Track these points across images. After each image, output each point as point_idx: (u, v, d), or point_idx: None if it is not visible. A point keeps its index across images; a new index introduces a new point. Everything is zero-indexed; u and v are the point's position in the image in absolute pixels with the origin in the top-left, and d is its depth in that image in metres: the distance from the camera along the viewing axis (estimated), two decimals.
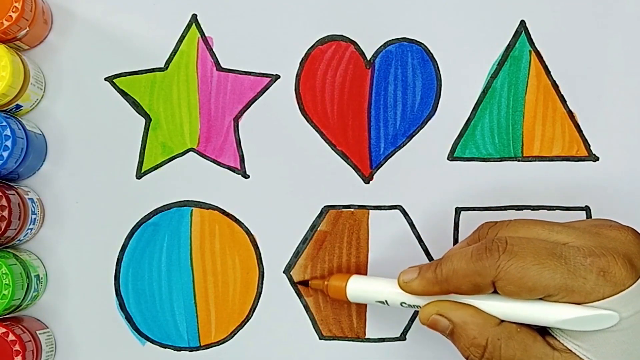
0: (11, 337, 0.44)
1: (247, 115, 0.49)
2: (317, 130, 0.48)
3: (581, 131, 0.48)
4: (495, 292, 0.38)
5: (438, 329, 0.40)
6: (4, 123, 0.45)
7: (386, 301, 0.42)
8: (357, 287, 0.44)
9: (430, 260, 0.48)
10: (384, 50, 0.48)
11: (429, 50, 0.48)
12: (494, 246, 0.38)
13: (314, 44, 0.49)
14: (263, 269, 0.48)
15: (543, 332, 0.39)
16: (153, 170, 0.49)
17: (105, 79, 0.49)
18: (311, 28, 0.49)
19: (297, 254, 0.48)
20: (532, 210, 0.47)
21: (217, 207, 0.48)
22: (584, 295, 0.36)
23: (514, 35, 0.48)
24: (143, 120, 0.49)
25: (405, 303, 0.42)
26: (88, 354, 0.48)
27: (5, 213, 0.44)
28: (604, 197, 0.47)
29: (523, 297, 0.37)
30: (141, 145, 0.49)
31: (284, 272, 0.48)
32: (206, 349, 0.48)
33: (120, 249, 0.48)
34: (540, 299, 0.37)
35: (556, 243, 0.38)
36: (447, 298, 0.40)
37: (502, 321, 0.39)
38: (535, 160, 0.48)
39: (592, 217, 0.47)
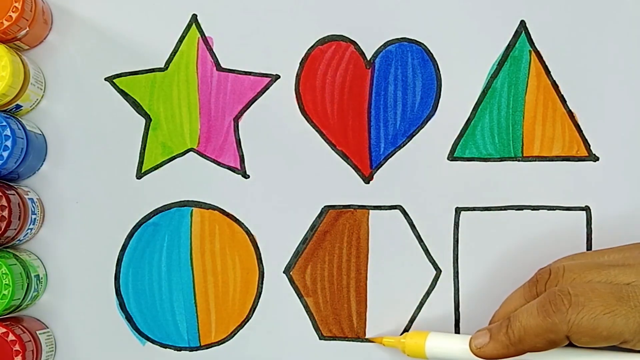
0: (11, 337, 0.44)
1: (247, 115, 0.49)
2: (317, 130, 0.48)
3: (581, 131, 0.48)
4: (571, 343, 0.38)
5: None
6: (4, 123, 0.45)
7: None
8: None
9: (430, 261, 0.48)
10: (384, 50, 0.48)
11: (429, 50, 0.48)
12: (559, 299, 0.38)
13: (314, 44, 0.49)
14: (263, 269, 0.48)
15: None
16: (153, 170, 0.49)
17: (105, 79, 0.49)
18: (311, 28, 0.49)
19: (297, 254, 0.48)
20: (532, 210, 0.47)
21: (217, 207, 0.48)
22: None
23: (514, 35, 0.48)
24: (143, 120, 0.49)
25: None
26: (88, 354, 0.48)
27: (5, 213, 0.44)
28: (604, 197, 0.47)
29: (599, 345, 0.37)
30: (141, 145, 0.49)
31: (284, 272, 0.48)
32: (206, 349, 0.48)
33: (120, 249, 0.48)
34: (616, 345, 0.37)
35: (619, 285, 0.38)
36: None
37: None
38: (535, 160, 0.48)
39: (592, 217, 0.47)
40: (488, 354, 0.41)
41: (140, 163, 0.49)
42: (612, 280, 0.38)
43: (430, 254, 0.48)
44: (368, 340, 0.48)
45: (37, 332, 0.46)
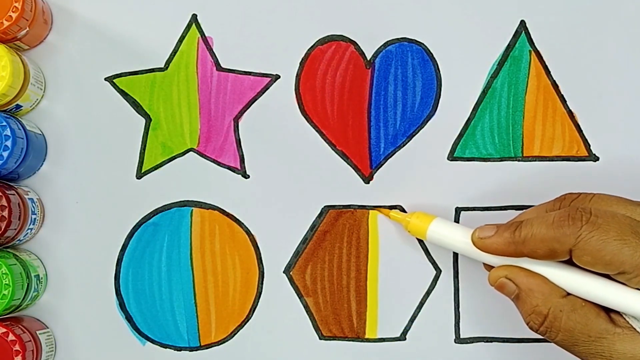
0: (11, 337, 0.44)
1: (247, 115, 0.49)
2: (317, 130, 0.48)
3: (581, 131, 0.48)
4: (568, 261, 0.38)
5: (504, 291, 0.41)
6: (4, 123, 0.45)
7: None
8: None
9: (430, 261, 0.48)
10: (384, 50, 0.48)
11: (429, 50, 0.48)
12: (578, 215, 0.38)
13: (314, 44, 0.49)
14: (263, 269, 0.48)
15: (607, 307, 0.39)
16: (153, 170, 0.49)
17: (105, 79, 0.49)
18: (311, 28, 0.49)
19: (297, 254, 0.48)
20: None
21: (217, 207, 0.48)
22: None
23: (514, 35, 0.48)
24: (143, 120, 0.49)
25: (477, 259, 0.42)
26: (88, 354, 0.48)
27: (5, 213, 0.44)
28: None
29: (597, 269, 0.38)
30: (141, 145, 0.49)
31: (284, 272, 0.48)
32: (206, 348, 0.48)
33: (120, 249, 0.48)
34: (608, 275, 0.38)
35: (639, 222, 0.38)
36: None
37: (569, 294, 0.39)
38: (535, 160, 0.48)
39: None
40: (487, 245, 0.41)
41: (140, 163, 0.49)
42: (636, 217, 0.39)
43: (430, 254, 0.48)
44: (368, 340, 0.48)
45: (37, 332, 0.46)
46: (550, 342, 0.39)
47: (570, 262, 0.39)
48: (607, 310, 0.39)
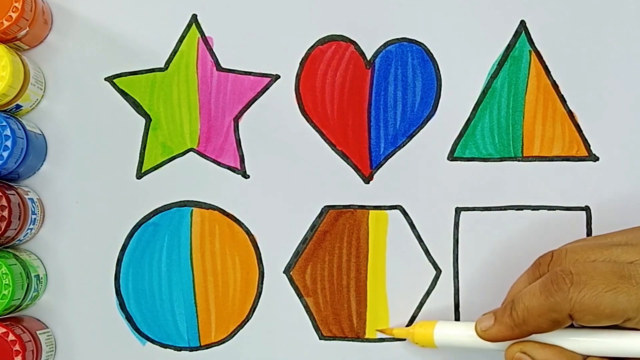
0: (11, 337, 0.44)
1: (247, 115, 0.49)
2: (317, 130, 0.48)
3: (581, 131, 0.48)
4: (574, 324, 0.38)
5: None
6: (4, 123, 0.45)
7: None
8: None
9: (430, 261, 0.48)
10: (384, 50, 0.48)
11: (429, 50, 0.48)
12: (560, 279, 0.38)
13: (314, 44, 0.49)
14: (263, 269, 0.48)
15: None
16: (153, 170, 0.49)
17: (105, 79, 0.49)
18: (311, 28, 0.49)
19: (297, 254, 0.48)
20: (532, 210, 0.47)
21: (217, 207, 0.48)
22: None
23: (514, 35, 0.48)
24: (143, 120, 0.49)
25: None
26: (88, 354, 0.48)
27: (5, 213, 0.44)
28: (604, 197, 0.47)
29: (603, 324, 0.37)
30: (141, 145, 0.49)
31: (284, 272, 0.48)
32: (206, 349, 0.48)
33: (120, 249, 0.48)
34: (617, 325, 0.38)
35: (621, 263, 0.38)
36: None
37: (586, 357, 0.39)
38: (535, 160, 0.48)
39: (592, 217, 0.47)
40: (493, 336, 0.41)
41: (140, 163, 0.49)
42: (615, 259, 0.38)
43: (430, 254, 0.48)
44: (368, 340, 0.48)
45: (37, 332, 0.46)
46: None
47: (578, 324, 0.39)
48: None
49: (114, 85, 0.49)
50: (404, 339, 0.47)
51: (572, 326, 0.39)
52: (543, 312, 0.38)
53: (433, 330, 0.44)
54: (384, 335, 0.48)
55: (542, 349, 0.40)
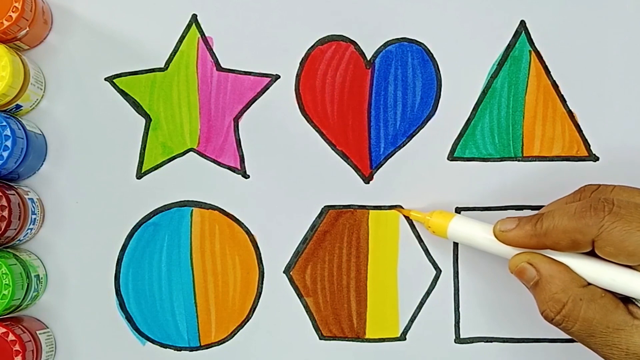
0: (11, 337, 0.44)
1: (247, 115, 0.49)
2: (317, 130, 0.48)
3: (581, 131, 0.48)
4: (591, 252, 0.38)
5: (524, 277, 0.40)
6: (4, 123, 0.45)
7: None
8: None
9: (430, 261, 0.48)
10: (384, 50, 0.48)
11: (429, 50, 0.48)
12: (600, 205, 0.38)
13: (314, 44, 0.49)
14: (263, 269, 0.48)
15: (626, 299, 0.39)
16: (153, 170, 0.49)
17: (105, 79, 0.49)
18: (311, 28, 0.49)
19: (297, 254, 0.48)
20: (532, 210, 0.47)
21: (217, 207, 0.48)
22: None
23: (514, 35, 0.48)
24: (143, 120, 0.49)
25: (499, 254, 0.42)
26: (88, 354, 0.48)
27: (5, 213, 0.44)
28: None
29: (619, 260, 0.38)
30: (141, 145, 0.49)
31: (284, 272, 0.48)
32: (206, 349, 0.48)
33: (120, 249, 0.48)
34: (630, 266, 0.38)
35: None
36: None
37: (589, 284, 0.39)
38: (535, 160, 0.48)
39: None
40: (509, 239, 0.41)
41: (140, 163, 0.49)
42: None
43: (430, 254, 0.48)
44: (368, 340, 0.48)
45: (37, 332, 0.46)
46: (565, 334, 0.39)
47: (592, 254, 0.39)
48: (626, 303, 0.39)
49: (114, 85, 0.49)
50: (404, 339, 0.47)
51: (587, 253, 0.39)
52: (569, 230, 0.38)
53: (449, 222, 0.44)
54: (384, 335, 0.48)
55: (549, 264, 0.40)
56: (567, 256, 0.40)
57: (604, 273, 0.39)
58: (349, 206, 0.48)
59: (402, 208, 0.47)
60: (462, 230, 0.44)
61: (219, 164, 0.49)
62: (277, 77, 0.49)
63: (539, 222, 0.40)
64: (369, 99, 0.48)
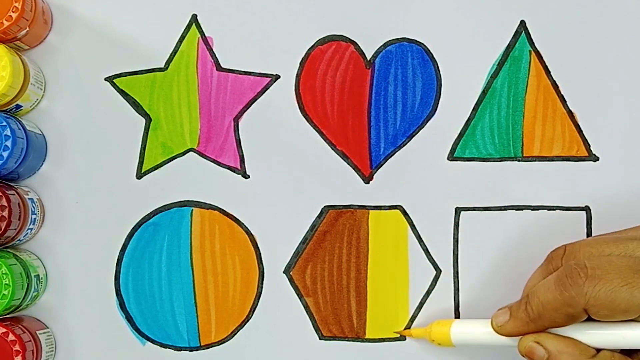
0: (11, 337, 0.44)
1: (247, 115, 0.49)
2: (317, 130, 0.48)
3: (581, 131, 0.48)
4: (590, 317, 0.38)
5: (535, 358, 0.40)
6: (4, 123, 0.45)
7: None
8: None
9: (430, 261, 0.48)
10: (384, 50, 0.48)
11: (429, 50, 0.48)
12: (575, 273, 0.38)
13: (314, 44, 0.49)
14: (263, 269, 0.48)
15: (632, 353, 0.39)
16: (153, 170, 0.49)
17: (105, 79, 0.49)
18: (311, 28, 0.49)
19: (297, 254, 0.48)
20: (532, 210, 0.47)
21: (217, 207, 0.48)
22: None
23: (514, 35, 0.48)
24: (143, 120, 0.49)
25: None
26: (88, 354, 0.48)
27: (5, 213, 0.44)
28: (604, 197, 0.47)
29: (618, 319, 0.38)
30: (141, 145, 0.49)
31: (284, 272, 0.48)
32: (206, 349, 0.48)
33: (120, 249, 0.48)
34: (634, 319, 0.38)
35: (637, 258, 0.38)
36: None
37: (599, 351, 0.39)
38: (535, 160, 0.48)
39: (592, 217, 0.47)
40: (509, 331, 0.41)
41: (140, 163, 0.49)
42: (631, 253, 0.38)
43: (430, 254, 0.48)
44: (368, 340, 0.48)
45: (37, 332, 0.46)
46: None
47: (592, 319, 0.39)
48: (633, 356, 0.39)
49: (114, 85, 0.49)
50: (404, 339, 0.47)
51: (586, 319, 0.39)
52: (558, 306, 0.38)
53: (450, 329, 0.44)
54: (384, 335, 0.48)
55: (555, 340, 0.39)
56: (571, 329, 0.39)
57: (608, 337, 0.39)
58: (349, 206, 0.48)
59: (402, 331, 0.47)
60: (465, 332, 0.44)
61: (219, 164, 0.49)
62: (277, 77, 0.49)
63: (529, 306, 0.40)
64: (369, 99, 0.48)
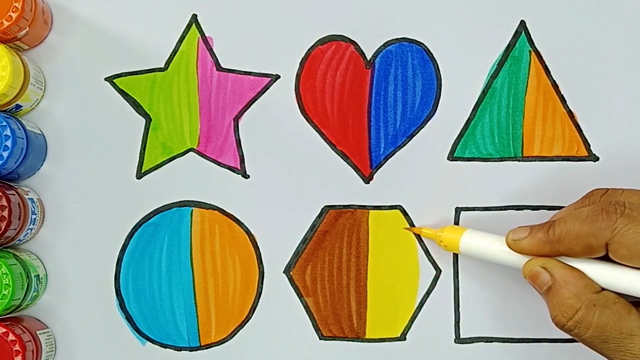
0: (11, 337, 0.44)
1: (247, 115, 0.49)
2: (317, 130, 0.48)
3: (581, 131, 0.48)
4: (605, 257, 0.38)
5: (537, 282, 0.40)
6: (4, 123, 0.45)
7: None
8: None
9: (430, 261, 0.48)
10: (384, 50, 0.48)
11: (429, 50, 0.48)
12: (612, 208, 0.38)
13: (314, 44, 0.49)
14: (263, 269, 0.48)
15: (638, 304, 0.39)
16: (153, 170, 0.49)
17: (105, 79, 0.49)
18: (311, 28, 0.49)
19: (297, 254, 0.48)
20: (532, 210, 0.47)
21: (217, 207, 0.48)
22: None
23: (514, 35, 0.48)
24: (143, 120, 0.49)
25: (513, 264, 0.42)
26: (88, 354, 0.48)
27: (5, 213, 0.44)
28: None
29: (634, 263, 0.38)
30: (141, 145, 0.49)
31: (284, 272, 0.48)
32: (206, 349, 0.48)
33: (120, 249, 0.48)
34: None
35: None
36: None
37: (603, 290, 0.39)
38: (535, 160, 0.48)
39: None
40: (522, 248, 0.41)
41: (140, 163, 0.49)
42: None
43: (430, 254, 0.48)
44: (368, 340, 0.48)
45: (37, 332, 0.46)
46: (576, 340, 0.39)
47: (606, 259, 0.39)
48: (638, 308, 0.38)
49: (114, 85, 0.49)
50: (404, 339, 0.47)
51: (599, 258, 0.39)
52: (582, 234, 0.38)
53: (460, 237, 0.44)
54: (384, 335, 0.48)
55: (563, 269, 0.39)
56: (582, 262, 0.39)
57: (619, 277, 0.38)
58: (349, 206, 0.48)
59: (413, 227, 0.47)
60: (475, 244, 0.44)
61: (219, 164, 0.49)
62: (277, 77, 0.49)
63: (551, 228, 0.39)
64: (369, 99, 0.48)
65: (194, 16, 0.49)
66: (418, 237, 0.48)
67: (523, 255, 0.41)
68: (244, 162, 0.49)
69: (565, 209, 0.43)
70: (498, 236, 0.43)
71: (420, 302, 0.48)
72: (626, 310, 0.38)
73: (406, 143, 0.48)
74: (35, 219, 0.47)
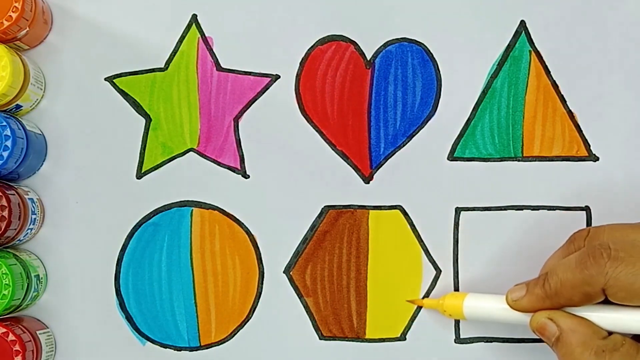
0: (11, 337, 0.44)
1: (247, 115, 0.49)
2: (317, 130, 0.48)
3: (581, 131, 0.48)
4: (605, 300, 0.38)
5: (546, 333, 0.40)
6: (4, 123, 0.45)
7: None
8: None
9: (430, 260, 0.48)
10: (384, 50, 0.48)
11: (429, 50, 0.48)
12: (598, 253, 0.38)
13: (314, 44, 0.49)
14: (263, 269, 0.48)
15: None
16: (153, 170, 0.49)
17: (105, 79, 0.49)
18: (311, 28, 0.49)
19: (297, 254, 0.48)
20: (532, 210, 0.47)
21: (217, 207, 0.48)
22: None
23: (514, 35, 0.48)
24: (143, 120, 0.49)
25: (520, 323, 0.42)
26: (88, 354, 0.48)
27: (5, 213, 0.44)
28: (604, 197, 0.47)
29: (634, 303, 0.38)
30: (141, 145, 0.49)
31: (284, 272, 0.48)
32: (206, 349, 0.48)
33: (120, 249, 0.48)
34: None
35: None
36: None
37: (610, 334, 0.39)
38: (535, 160, 0.48)
39: (592, 217, 0.47)
40: (524, 307, 0.41)
41: (140, 163, 0.49)
42: None
43: (430, 254, 0.48)
44: (368, 340, 0.48)
45: (37, 332, 0.46)
46: None
47: (608, 301, 0.39)
48: None
49: (114, 85, 0.49)
50: (404, 339, 0.47)
51: (602, 302, 0.39)
52: (577, 284, 0.38)
53: (463, 302, 0.44)
54: (384, 335, 0.48)
55: (569, 318, 0.39)
56: (585, 310, 0.39)
57: (623, 318, 0.38)
58: (349, 206, 0.48)
59: (415, 300, 0.47)
60: (478, 306, 0.44)
61: (219, 164, 0.49)
62: (277, 77, 0.49)
63: (546, 282, 0.40)
64: (369, 99, 0.48)
65: (194, 16, 0.49)
66: (418, 237, 0.48)
67: (526, 313, 0.41)
68: (244, 162, 0.49)
69: (552, 257, 0.43)
70: (499, 296, 0.43)
71: None
72: (635, 349, 0.38)
73: (406, 143, 0.48)
74: (35, 219, 0.47)
